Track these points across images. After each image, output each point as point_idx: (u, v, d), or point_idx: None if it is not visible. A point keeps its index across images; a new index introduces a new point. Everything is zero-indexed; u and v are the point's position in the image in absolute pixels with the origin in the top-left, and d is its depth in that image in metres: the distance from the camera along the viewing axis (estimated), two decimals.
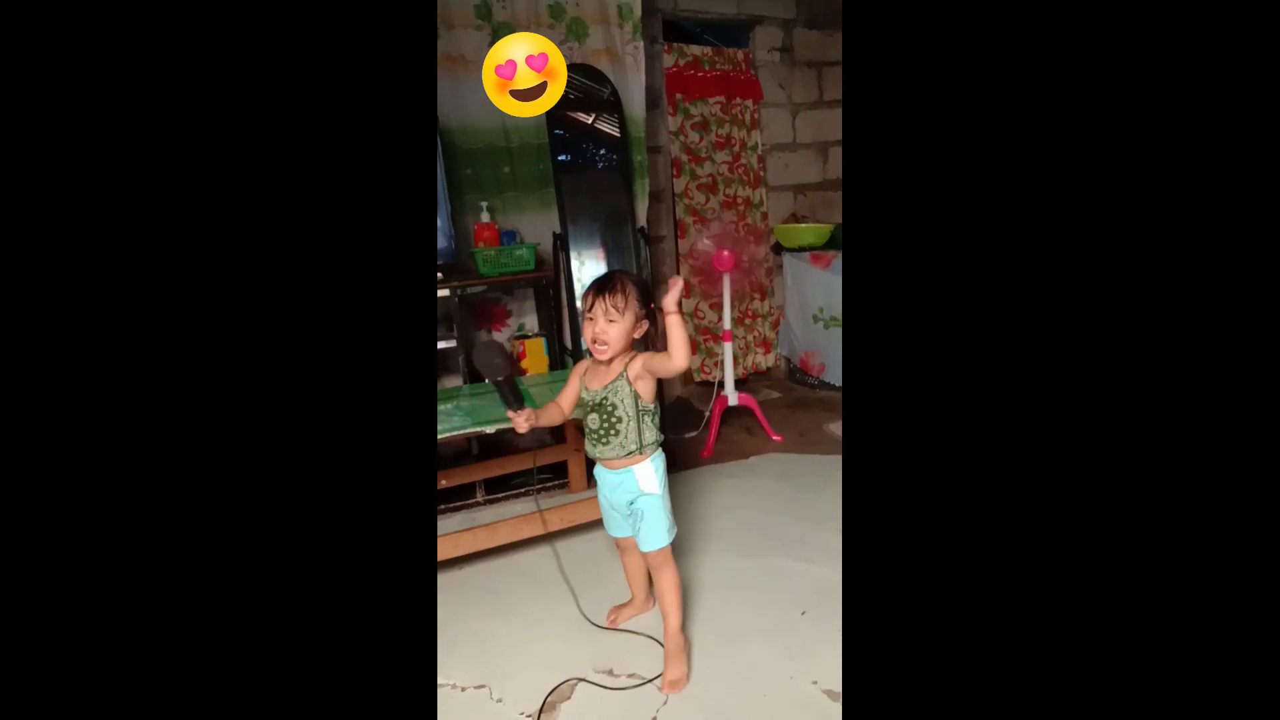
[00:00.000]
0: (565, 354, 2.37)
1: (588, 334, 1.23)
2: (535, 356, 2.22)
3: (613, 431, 1.24)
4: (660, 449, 1.30)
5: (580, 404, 1.29)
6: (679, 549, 1.70)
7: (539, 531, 1.72)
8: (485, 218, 2.25)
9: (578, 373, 1.32)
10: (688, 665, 1.29)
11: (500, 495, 2.14)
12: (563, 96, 2.44)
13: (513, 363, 1.24)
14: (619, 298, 1.20)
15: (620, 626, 1.45)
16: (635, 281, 1.24)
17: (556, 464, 2.17)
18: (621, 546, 1.44)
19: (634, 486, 1.27)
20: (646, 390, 1.24)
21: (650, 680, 1.27)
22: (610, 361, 1.25)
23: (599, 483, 1.33)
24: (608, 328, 1.20)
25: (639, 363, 1.22)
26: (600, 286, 1.22)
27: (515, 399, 1.17)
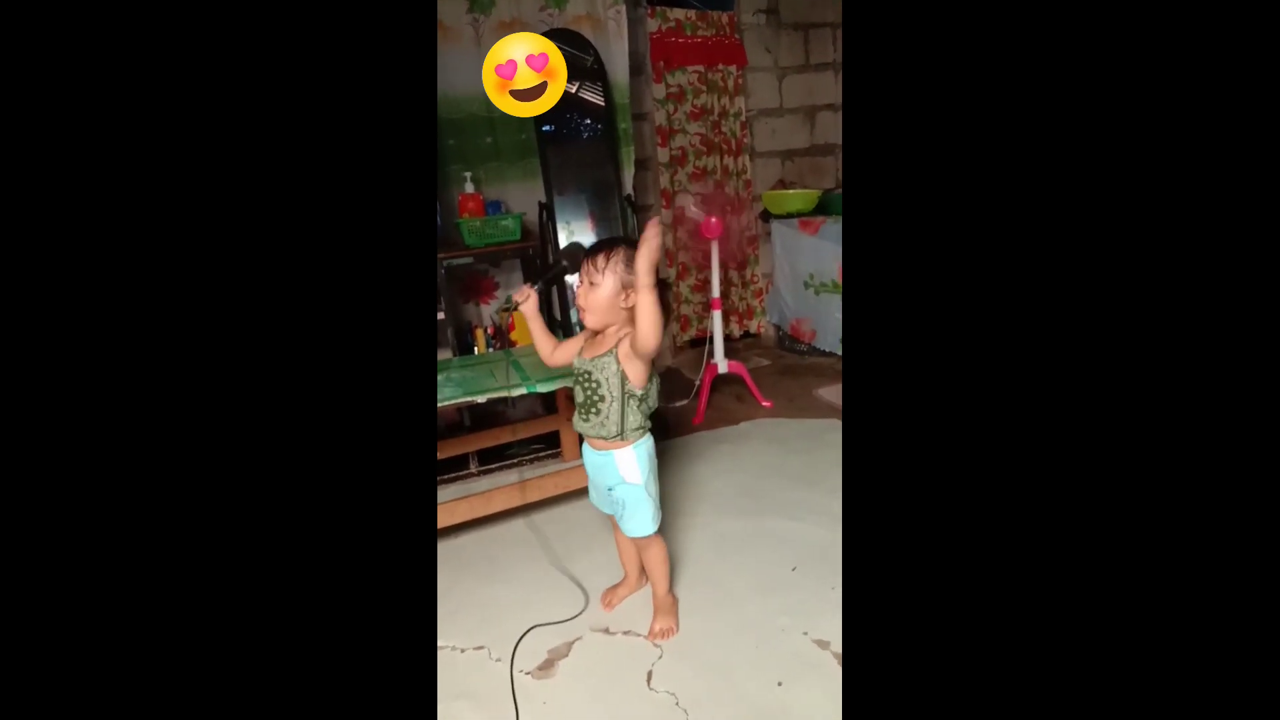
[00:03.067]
0: (555, 326, 2.37)
1: (576, 300, 1.21)
2: (524, 327, 2.21)
3: (594, 410, 1.19)
4: (648, 435, 1.25)
5: (571, 371, 1.26)
6: (670, 512, 1.73)
7: (532, 499, 1.74)
8: (469, 188, 2.23)
9: (582, 337, 1.28)
10: (675, 618, 1.32)
11: (494, 466, 2.16)
12: None
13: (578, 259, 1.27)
14: (599, 259, 1.16)
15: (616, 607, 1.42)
16: (626, 246, 1.17)
17: (549, 434, 2.18)
18: (614, 524, 1.40)
19: (614, 473, 1.24)
20: (636, 373, 1.16)
21: (644, 636, 1.30)
22: (603, 333, 1.21)
23: (584, 457, 1.31)
24: (589, 291, 1.17)
25: (628, 343, 1.15)
26: (588, 250, 1.20)
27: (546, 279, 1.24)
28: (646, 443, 1.25)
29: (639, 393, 1.19)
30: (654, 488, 1.27)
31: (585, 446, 1.30)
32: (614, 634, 1.33)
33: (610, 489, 1.26)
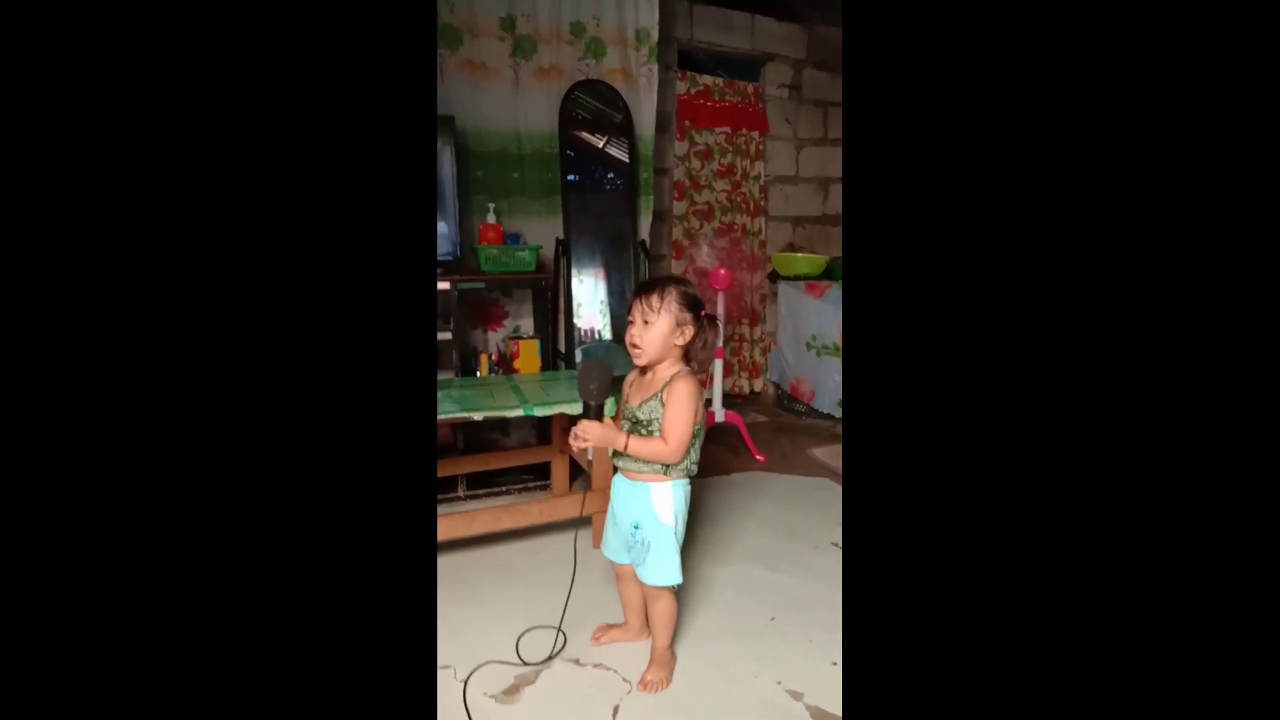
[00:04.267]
0: (558, 357, 2.40)
1: (628, 339, 1.19)
2: (528, 357, 2.25)
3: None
4: (688, 479, 1.22)
5: (623, 418, 1.23)
6: None
7: (517, 524, 1.73)
8: (491, 218, 2.31)
9: (624, 385, 1.26)
10: (670, 672, 1.26)
11: (481, 491, 2.15)
12: (574, 115, 2.51)
13: (610, 389, 1.16)
14: (655, 298, 1.15)
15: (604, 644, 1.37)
16: (680, 286, 1.18)
17: (540, 464, 2.18)
18: (618, 573, 1.34)
19: (646, 508, 1.19)
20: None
21: (614, 671, 1.27)
22: (650, 372, 1.20)
23: (612, 494, 1.27)
24: (643, 330, 1.16)
25: (678, 386, 1.14)
26: (640, 289, 1.19)
27: (597, 418, 1.14)
28: (686, 485, 1.22)
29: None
30: (681, 537, 1.22)
31: (616, 481, 1.25)
32: (584, 665, 1.30)
33: (636, 527, 1.21)
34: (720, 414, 2.55)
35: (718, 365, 2.54)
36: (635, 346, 1.17)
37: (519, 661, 1.29)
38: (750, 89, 3.32)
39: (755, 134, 3.34)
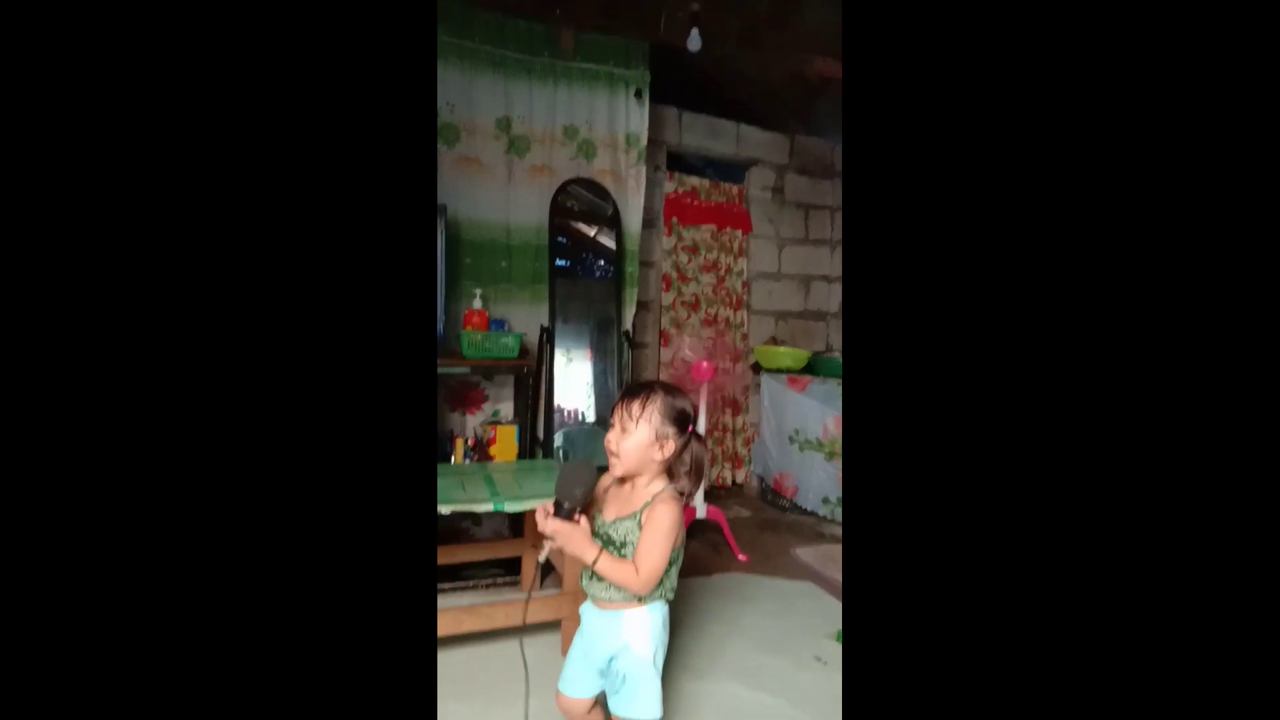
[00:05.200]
0: (536, 444, 2.35)
1: (606, 444, 1.10)
2: (505, 443, 2.20)
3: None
4: (665, 604, 1.11)
5: (594, 530, 1.10)
6: None
7: (478, 627, 1.61)
8: (478, 304, 2.33)
9: (602, 484, 1.15)
10: None
11: (446, 585, 2.03)
12: (568, 206, 2.60)
13: (589, 492, 1.08)
14: (636, 405, 1.06)
15: None
16: (665, 393, 1.09)
17: (510, 559, 2.07)
18: (566, 711, 1.17)
19: (619, 639, 1.07)
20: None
21: None
22: (629, 484, 1.10)
23: (581, 623, 1.15)
24: (619, 438, 1.07)
25: (659, 512, 1.04)
26: (626, 392, 1.11)
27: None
28: (663, 610, 1.10)
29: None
30: (661, 663, 1.10)
31: (585, 609, 1.14)
32: None
33: (611, 659, 1.09)
34: (701, 509, 2.48)
35: None
36: (612, 454, 1.08)
37: None
38: (735, 190, 3.48)
39: (739, 232, 3.46)
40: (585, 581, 1.11)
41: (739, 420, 3.41)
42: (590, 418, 2.53)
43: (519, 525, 2.15)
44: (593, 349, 2.63)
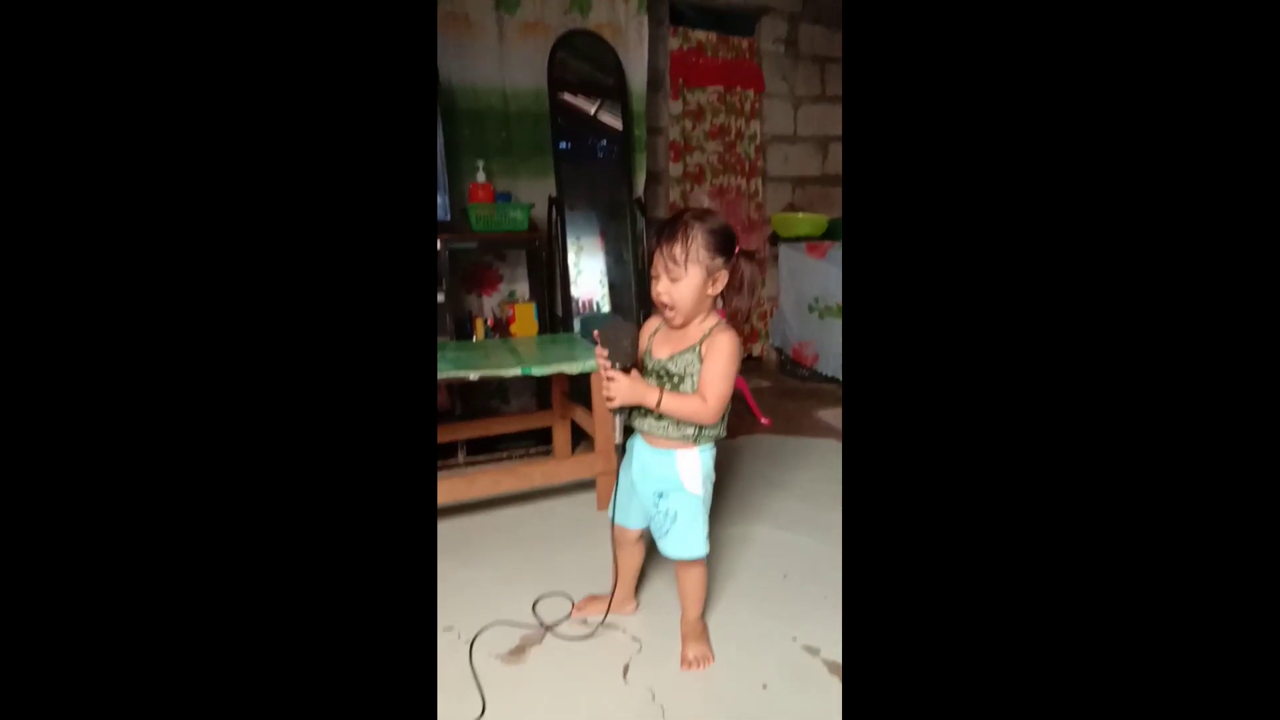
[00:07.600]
0: (556, 321, 2.34)
1: (655, 297, 1.03)
2: (525, 320, 2.18)
3: None
4: (714, 448, 1.10)
5: (648, 371, 1.07)
6: None
7: (519, 487, 1.68)
8: (481, 178, 2.22)
9: (646, 332, 1.11)
10: (709, 646, 1.15)
11: (482, 458, 2.10)
12: (563, 76, 2.42)
13: (635, 343, 1.04)
14: (677, 249, 0.98)
15: (586, 619, 1.25)
16: (706, 226, 1.00)
17: (542, 429, 2.13)
18: (620, 540, 1.20)
19: (672, 476, 1.07)
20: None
21: (623, 630, 1.22)
22: (685, 326, 1.05)
23: (629, 458, 1.14)
24: (671, 288, 1.00)
25: (721, 340, 1.01)
26: (660, 231, 1.01)
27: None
28: (712, 453, 1.10)
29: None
30: (709, 503, 1.11)
31: (635, 444, 1.13)
32: (590, 625, 1.25)
33: (660, 495, 1.09)
34: None
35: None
36: (666, 306, 1.02)
37: (525, 622, 1.24)
38: (745, 44, 3.21)
39: (750, 92, 3.23)
40: (639, 419, 1.10)
41: (756, 295, 3.36)
42: (605, 307, 2.48)
43: (546, 397, 2.19)
44: (603, 236, 2.53)
